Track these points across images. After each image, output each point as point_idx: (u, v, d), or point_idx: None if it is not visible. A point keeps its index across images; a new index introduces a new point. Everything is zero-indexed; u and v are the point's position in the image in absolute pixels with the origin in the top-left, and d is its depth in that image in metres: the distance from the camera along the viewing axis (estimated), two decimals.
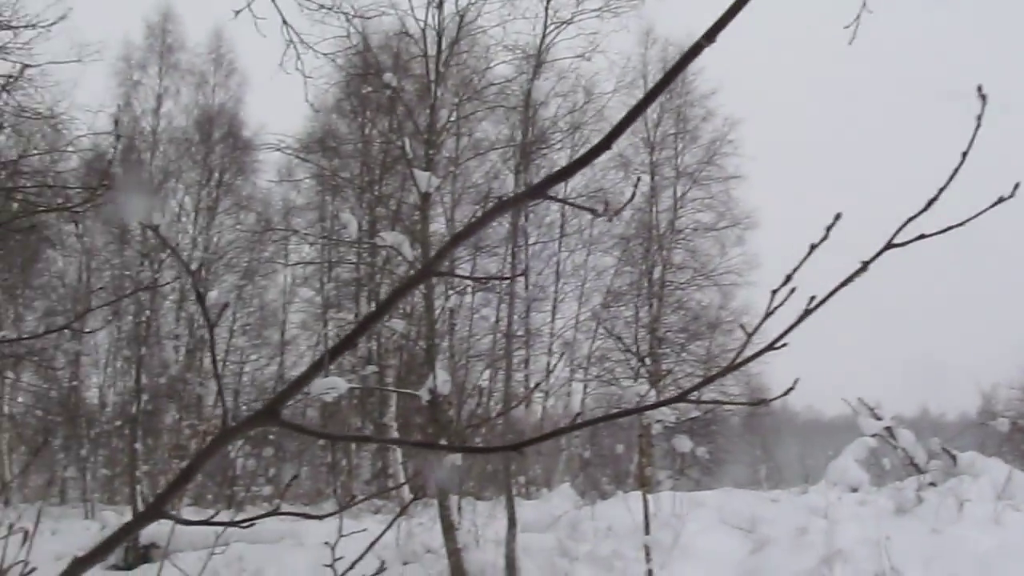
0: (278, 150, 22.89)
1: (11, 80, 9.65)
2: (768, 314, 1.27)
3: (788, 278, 1.22)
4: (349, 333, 1.50)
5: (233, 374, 31.23)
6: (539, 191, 1.27)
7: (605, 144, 1.27)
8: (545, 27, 22.85)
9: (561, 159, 27.75)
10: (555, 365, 28.80)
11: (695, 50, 1.24)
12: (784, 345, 1.30)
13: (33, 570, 1.86)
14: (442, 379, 11.96)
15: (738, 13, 1.20)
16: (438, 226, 23.11)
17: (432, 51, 20.79)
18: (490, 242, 26.64)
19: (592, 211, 1.36)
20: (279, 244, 29.04)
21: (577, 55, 23.52)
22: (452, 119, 22.11)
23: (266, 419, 1.53)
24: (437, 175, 20.19)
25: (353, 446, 27.24)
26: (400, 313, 23.65)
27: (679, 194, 30.16)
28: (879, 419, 16.08)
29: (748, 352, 1.33)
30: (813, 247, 1.23)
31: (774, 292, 1.24)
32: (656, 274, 29.22)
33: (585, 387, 30.52)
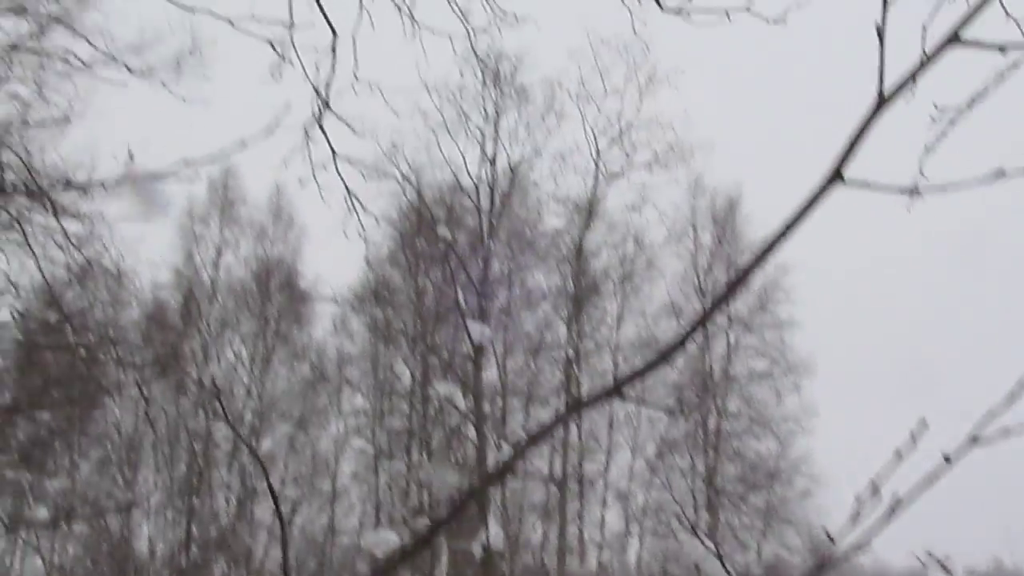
0: (334, 302, 23.24)
1: (81, 239, 10.03)
2: (855, 518, 1.22)
3: (875, 488, 1.18)
4: (423, 535, 1.46)
5: (285, 524, 30.90)
6: (614, 392, 1.25)
7: (680, 343, 1.25)
8: (596, 180, 23.38)
9: (612, 308, 27.84)
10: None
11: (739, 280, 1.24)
12: (867, 548, 1.24)
13: None
14: (495, 532, 11.71)
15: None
16: (490, 375, 23.10)
17: (485, 205, 21.34)
18: (543, 392, 26.52)
19: (668, 411, 1.34)
20: (332, 394, 29.15)
21: (627, 207, 23.86)
22: (504, 270, 22.43)
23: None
24: (489, 325, 20.38)
25: None
26: (452, 463, 23.44)
27: (732, 341, 29.91)
28: (948, 573, 15.34)
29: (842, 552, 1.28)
30: (899, 454, 1.19)
31: (859, 497, 1.19)
32: (711, 423, 28.74)
33: (641, 540, 29.67)
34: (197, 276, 29.64)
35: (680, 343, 1.26)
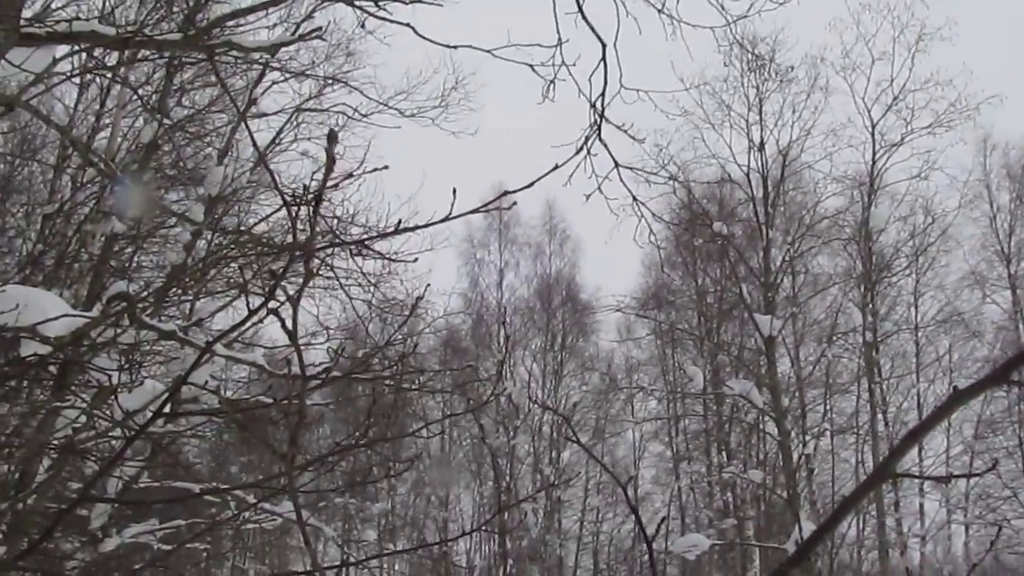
0: (618, 310, 23.38)
1: (378, 277, 10.70)
2: None
3: None
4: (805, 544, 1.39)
5: (591, 533, 31.46)
6: (1000, 377, 1.13)
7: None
8: (874, 153, 22.12)
9: (907, 285, 26.21)
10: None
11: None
12: None
13: None
14: (808, 529, 11.25)
15: None
16: (783, 368, 22.34)
17: (758, 193, 20.72)
18: (843, 380, 25.38)
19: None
20: (625, 401, 29.36)
21: (912, 176, 22.38)
22: (786, 258, 21.67)
23: None
24: (777, 317, 19.74)
25: None
26: (756, 463, 22.90)
27: None
28: None
29: None
30: None
31: None
32: None
33: (967, 529, 27.62)
34: (483, 299, 30.89)
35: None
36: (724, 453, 24.52)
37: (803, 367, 23.15)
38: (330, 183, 1.99)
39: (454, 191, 2.46)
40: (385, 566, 28.96)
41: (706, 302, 26.07)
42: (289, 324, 2.14)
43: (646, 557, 27.70)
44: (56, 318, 3.15)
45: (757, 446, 26.35)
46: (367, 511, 26.55)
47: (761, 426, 20.37)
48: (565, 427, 29.81)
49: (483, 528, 23.27)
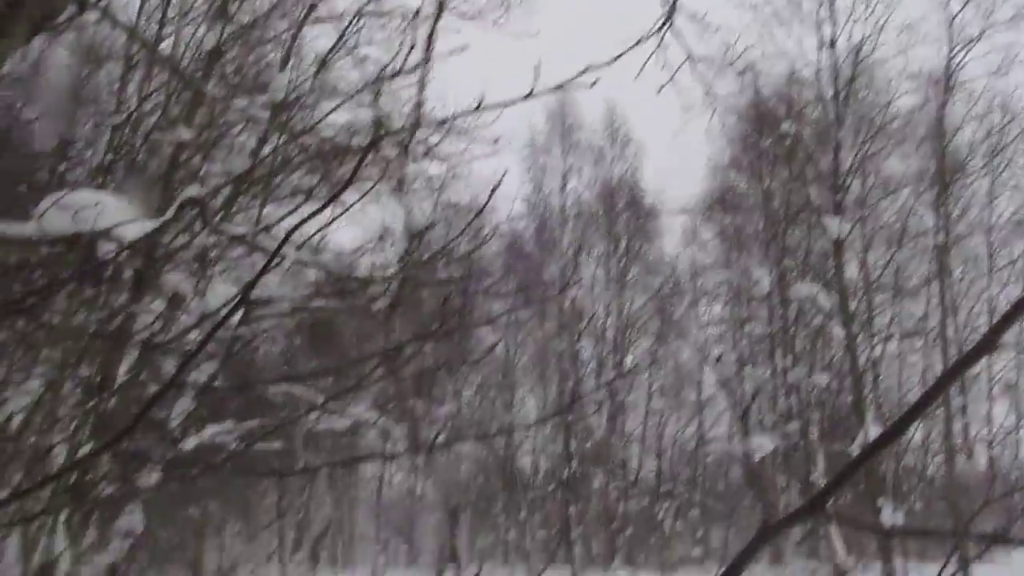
0: (682, 213, 23.17)
1: (443, 181, 10.71)
2: None
3: None
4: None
5: (654, 436, 31.77)
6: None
7: None
8: (951, 48, 21.34)
9: (982, 186, 25.51)
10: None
11: None
12: None
13: None
14: (874, 432, 11.23)
15: None
16: (851, 271, 22.02)
17: (829, 93, 20.17)
18: (913, 284, 24.98)
19: None
20: (689, 305, 29.29)
21: (991, 72, 21.55)
22: (856, 159, 21.17)
23: (810, 514, 1.48)
24: (846, 219, 19.38)
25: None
26: (823, 365, 22.77)
27: None
28: None
29: None
30: None
31: None
32: None
33: None
34: (546, 204, 30.77)
35: None
36: (789, 357, 24.36)
37: (871, 271, 22.81)
38: (408, 71, 1.97)
39: (536, 66, 2.40)
40: (451, 467, 29.66)
41: (773, 205, 25.68)
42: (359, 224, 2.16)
43: (709, 459, 27.77)
44: (131, 221, 3.22)
45: (822, 350, 26.18)
46: (434, 413, 27.09)
47: (827, 330, 20.21)
48: (629, 331, 29.93)
49: (551, 418, 23.60)
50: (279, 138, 7.75)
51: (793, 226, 25.02)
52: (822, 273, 21.26)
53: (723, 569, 1.55)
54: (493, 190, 2.12)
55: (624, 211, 31.04)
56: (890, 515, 16.47)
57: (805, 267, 23.77)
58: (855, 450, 10.98)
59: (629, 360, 30.48)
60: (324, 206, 2.47)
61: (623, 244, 30.84)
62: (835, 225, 16.05)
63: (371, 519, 28.14)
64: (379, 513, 26.98)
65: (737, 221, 26.11)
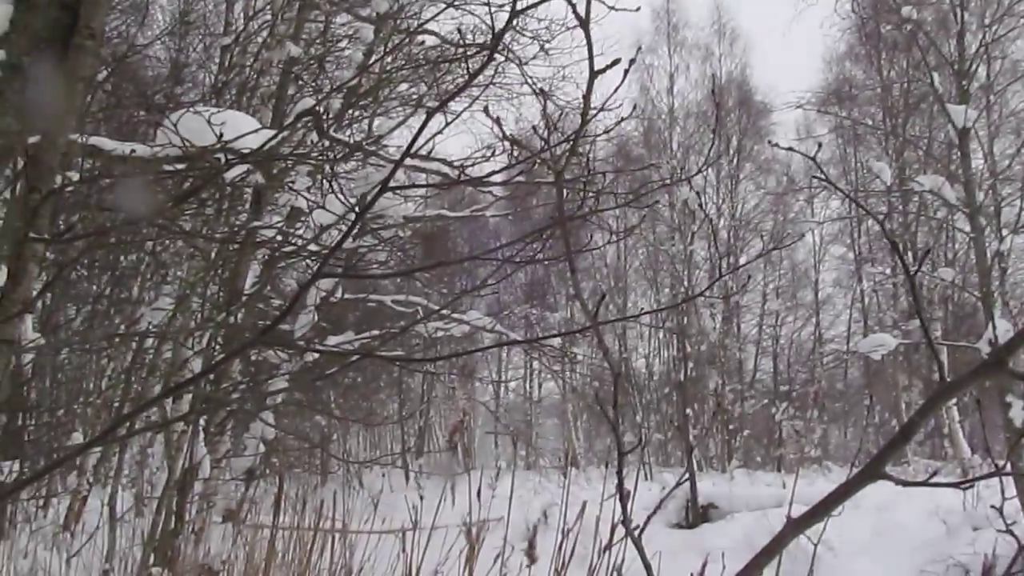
0: (798, 107, 22.46)
1: (550, 86, 10.60)
2: None
3: None
4: None
5: (770, 337, 31.47)
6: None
7: None
8: None
9: None
10: None
11: None
12: None
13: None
14: (1003, 328, 10.85)
15: None
16: (977, 162, 21.06)
17: None
18: None
19: None
20: (805, 202, 28.62)
21: None
22: (982, 43, 20.04)
23: (993, 370, 1.46)
24: (971, 107, 18.44)
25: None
26: (944, 262, 22.05)
27: None
28: None
29: None
30: None
31: None
32: None
33: None
34: (654, 105, 30.20)
35: None
36: (910, 253, 23.64)
37: (999, 161, 21.80)
38: None
39: None
40: (567, 368, 29.99)
41: (892, 95, 24.67)
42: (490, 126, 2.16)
43: (827, 359, 27.35)
44: (249, 133, 3.29)
45: (946, 245, 25.36)
46: (547, 320, 27.35)
47: (950, 224, 19.48)
48: (742, 231, 29.46)
49: (665, 310, 23.55)
50: (384, 48, 7.76)
51: (914, 117, 24.04)
52: (945, 165, 20.38)
53: (901, 427, 1.53)
54: (592, 77, 2.09)
55: (734, 109, 30.27)
56: (1020, 412, 16.01)
57: (927, 159, 22.87)
58: (982, 347, 10.67)
59: (743, 261, 30.07)
60: (432, 114, 2.48)
61: (734, 143, 30.16)
62: (960, 114, 15.23)
63: (489, 424, 28.79)
64: (498, 418, 27.54)
65: (854, 114, 25.20)
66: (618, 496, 1.88)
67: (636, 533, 1.78)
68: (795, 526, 1.54)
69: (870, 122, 25.19)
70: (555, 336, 19.63)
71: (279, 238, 6.18)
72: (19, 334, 2.83)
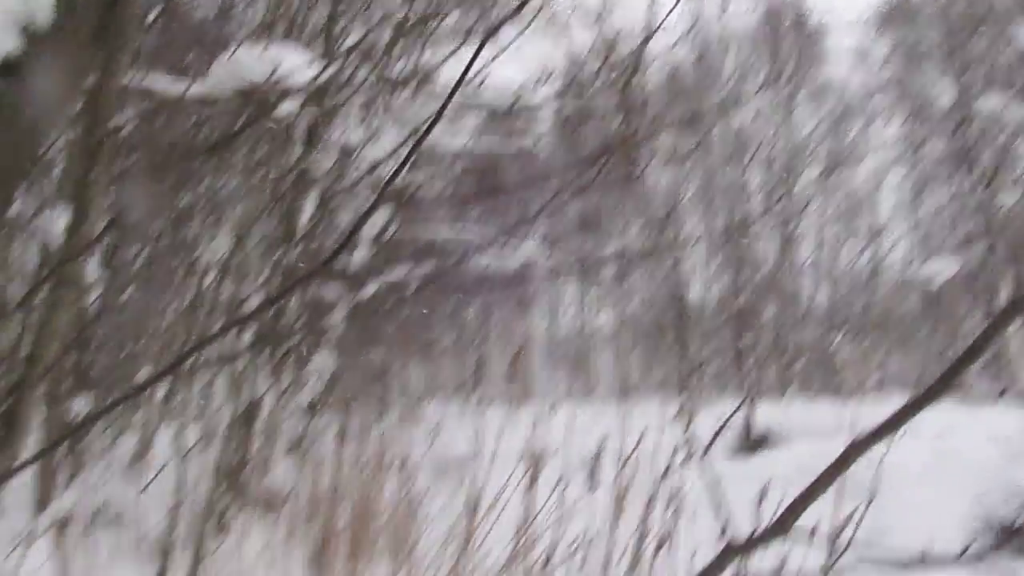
0: (852, 29, 21.90)
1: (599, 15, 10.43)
2: None
3: None
4: None
5: (827, 264, 31.07)
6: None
7: None
8: None
9: None
10: None
11: None
12: None
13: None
14: None
15: None
16: None
17: None
18: None
19: None
20: (862, 128, 28.00)
21: None
22: None
23: None
24: None
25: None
26: (1009, 185, 21.55)
27: None
28: None
29: None
30: None
31: None
32: None
33: None
34: (706, 32, 29.54)
35: None
36: (972, 176, 23.06)
37: None
38: None
39: None
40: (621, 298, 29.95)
41: (953, 14, 23.90)
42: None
43: (887, 288, 27.03)
44: (299, 67, 3.30)
45: (1010, 168, 24.74)
46: (601, 250, 27.25)
47: (1014, 146, 19.00)
48: (798, 158, 28.98)
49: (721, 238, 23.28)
50: None
51: (976, 36, 23.31)
52: (1009, 85, 19.80)
53: (969, 344, 1.50)
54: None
55: (788, 32, 29.51)
56: None
57: (990, 79, 22.23)
58: None
59: (799, 188, 29.60)
60: (483, 44, 2.45)
61: (789, 67, 29.46)
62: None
63: (545, 354, 28.96)
64: (553, 348, 27.67)
65: (913, 35, 24.49)
66: (680, 423, 1.89)
67: (698, 458, 1.79)
68: (857, 447, 1.53)
69: (930, 43, 24.47)
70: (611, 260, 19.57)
71: (333, 174, 6.22)
72: (84, 274, 2.89)
